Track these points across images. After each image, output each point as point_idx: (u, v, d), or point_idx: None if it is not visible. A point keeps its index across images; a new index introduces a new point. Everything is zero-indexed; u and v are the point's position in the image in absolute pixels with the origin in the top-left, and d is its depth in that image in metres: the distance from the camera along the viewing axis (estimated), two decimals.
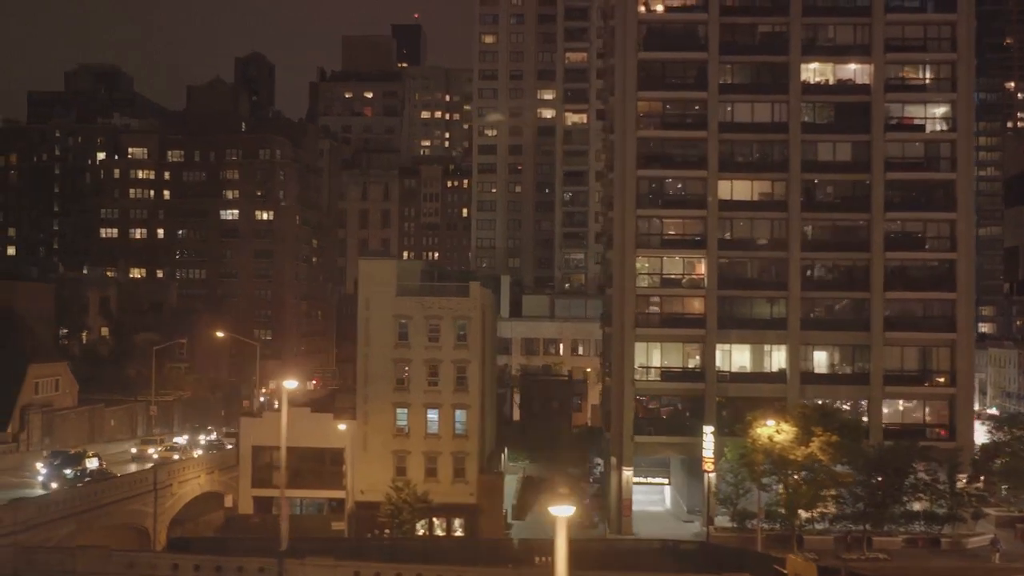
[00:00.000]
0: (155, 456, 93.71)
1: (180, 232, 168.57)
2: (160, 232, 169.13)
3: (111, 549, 55.40)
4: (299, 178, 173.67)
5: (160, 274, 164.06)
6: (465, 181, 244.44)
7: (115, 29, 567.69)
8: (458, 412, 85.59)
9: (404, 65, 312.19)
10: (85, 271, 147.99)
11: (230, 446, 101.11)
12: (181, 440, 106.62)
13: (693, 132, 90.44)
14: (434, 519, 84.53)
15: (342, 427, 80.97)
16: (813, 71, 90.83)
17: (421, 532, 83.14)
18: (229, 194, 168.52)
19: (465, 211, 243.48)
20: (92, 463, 78.96)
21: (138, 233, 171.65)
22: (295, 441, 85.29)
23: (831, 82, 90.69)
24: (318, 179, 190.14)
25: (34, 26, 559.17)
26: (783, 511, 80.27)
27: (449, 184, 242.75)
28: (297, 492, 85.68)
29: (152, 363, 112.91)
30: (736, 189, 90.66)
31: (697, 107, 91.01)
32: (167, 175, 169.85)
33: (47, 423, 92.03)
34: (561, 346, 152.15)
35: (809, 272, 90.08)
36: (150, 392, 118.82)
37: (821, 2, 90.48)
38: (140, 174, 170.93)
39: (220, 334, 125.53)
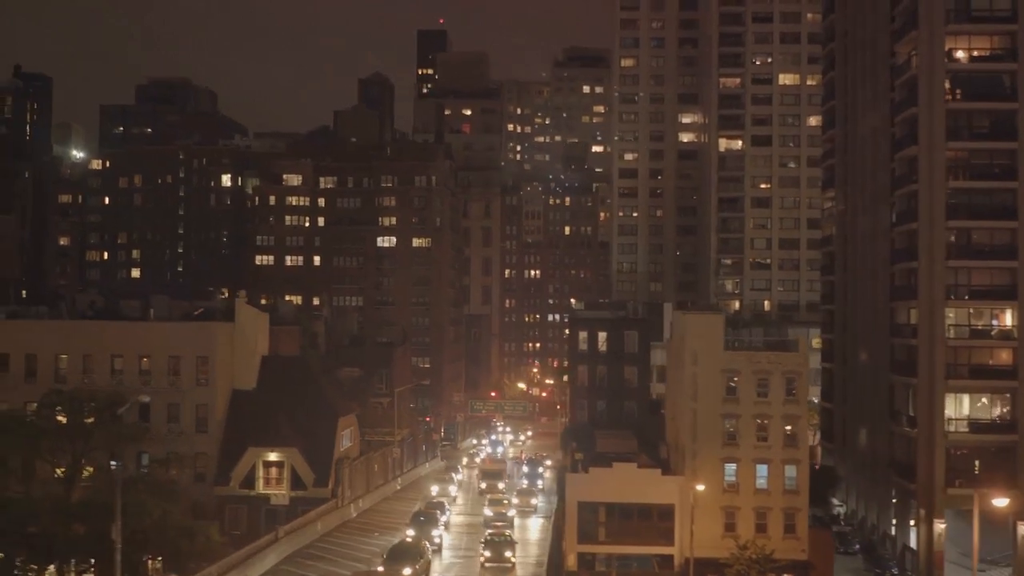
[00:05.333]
0: None
1: (336, 259, 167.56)
2: (316, 259, 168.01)
3: None
4: (450, 203, 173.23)
5: (316, 302, 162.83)
6: (567, 199, 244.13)
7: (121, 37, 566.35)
8: (787, 467, 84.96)
9: (430, 71, 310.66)
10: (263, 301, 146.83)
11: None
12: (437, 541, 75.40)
13: (1003, 183, 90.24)
14: None
15: (700, 487, 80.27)
16: None
17: None
18: (385, 221, 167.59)
19: (568, 229, 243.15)
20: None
21: (289, 260, 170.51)
22: (621, 497, 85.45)
23: None
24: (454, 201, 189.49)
25: (97, 40, 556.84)
26: None
27: (551, 202, 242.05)
28: (624, 548, 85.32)
29: (396, 401, 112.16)
30: None
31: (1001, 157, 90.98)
32: (321, 202, 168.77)
33: (349, 475, 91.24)
34: None
35: None
36: (367, 432, 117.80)
37: None
38: (294, 200, 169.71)
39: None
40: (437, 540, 74.95)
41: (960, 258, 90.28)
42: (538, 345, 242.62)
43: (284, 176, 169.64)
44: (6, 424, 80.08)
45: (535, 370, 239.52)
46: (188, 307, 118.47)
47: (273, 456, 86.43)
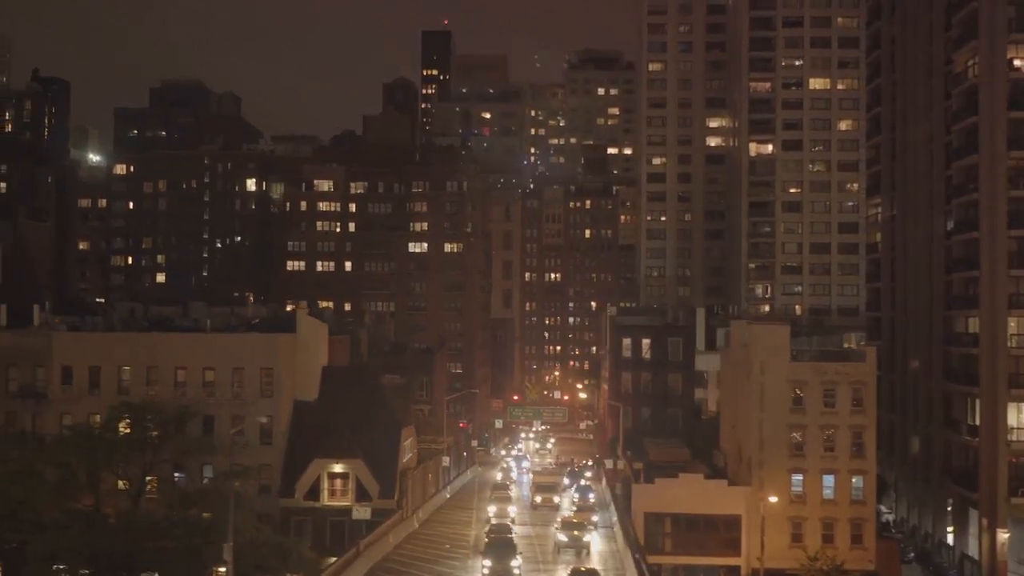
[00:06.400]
0: None
1: (367, 265, 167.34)
2: (347, 265, 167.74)
3: None
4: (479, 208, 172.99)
5: (348, 308, 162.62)
6: (587, 201, 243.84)
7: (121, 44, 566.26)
8: (855, 478, 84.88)
9: (434, 72, 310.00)
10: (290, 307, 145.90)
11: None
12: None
13: None
14: None
15: (773, 499, 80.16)
16: None
17: None
18: (417, 226, 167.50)
19: (588, 232, 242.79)
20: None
21: (320, 265, 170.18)
22: (687, 507, 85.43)
23: None
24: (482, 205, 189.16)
25: (97, 41, 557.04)
26: None
27: (571, 205, 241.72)
28: (690, 559, 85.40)
29: (444, 409, 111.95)
30: None
31: None
32: (352, 207, 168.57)
33: (411, 485, 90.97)
34: None
35: None
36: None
37: None
38: (324, 206, 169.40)
39: None
40: (516, 571, 69.77)
41: (1022, 267, 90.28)
42: (559, 348, 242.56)
43: (315, 181, 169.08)
44: (74, 438, 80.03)
45: (557, 373, 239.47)
46: (225, 313, 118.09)
47: (338, 467, 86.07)
